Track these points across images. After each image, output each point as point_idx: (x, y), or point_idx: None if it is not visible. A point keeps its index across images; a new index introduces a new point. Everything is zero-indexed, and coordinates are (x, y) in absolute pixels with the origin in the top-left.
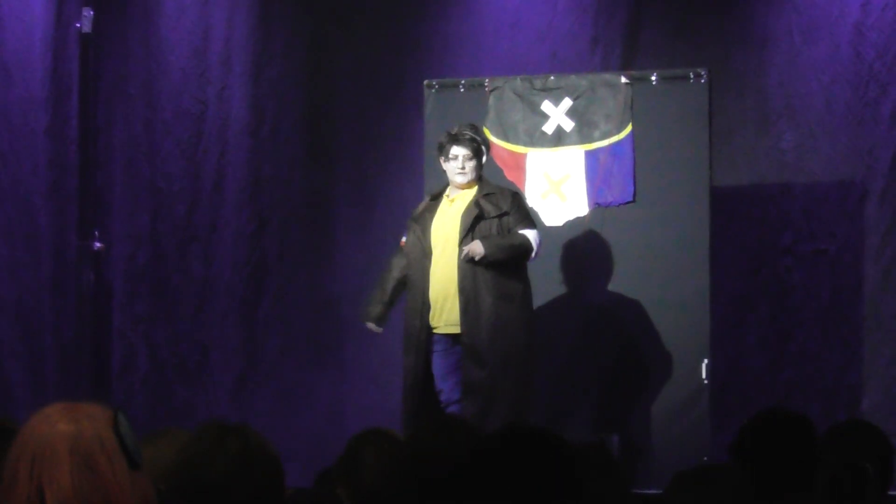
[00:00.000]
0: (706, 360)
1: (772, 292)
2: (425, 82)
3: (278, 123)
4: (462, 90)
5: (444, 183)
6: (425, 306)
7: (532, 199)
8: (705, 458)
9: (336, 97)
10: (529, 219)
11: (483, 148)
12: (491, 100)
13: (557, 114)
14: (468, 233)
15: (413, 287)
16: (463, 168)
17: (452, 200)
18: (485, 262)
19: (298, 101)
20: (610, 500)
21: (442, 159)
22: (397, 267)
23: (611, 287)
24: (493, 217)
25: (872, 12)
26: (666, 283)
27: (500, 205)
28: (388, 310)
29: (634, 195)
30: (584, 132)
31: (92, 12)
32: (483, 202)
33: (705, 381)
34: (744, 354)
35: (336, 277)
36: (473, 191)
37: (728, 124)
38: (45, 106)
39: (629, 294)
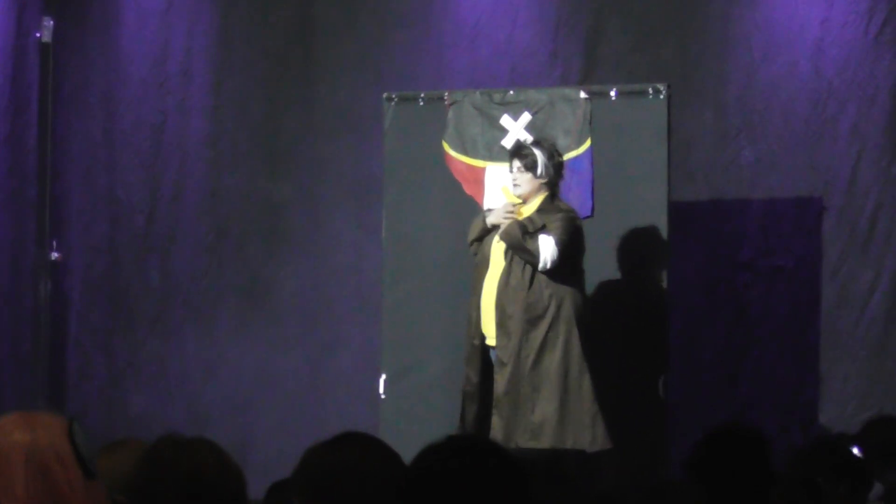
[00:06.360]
0: (663, 377)
1: (729, 308)
2: (384, 95)
3: (237, 135)
4: (421, 103)
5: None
6: (478, 315)
7: None
8: (662, 475)
9: (295, 109)
10: (559, 231)
11: (545, 163)
12: (450, 113)
13: (516, 128)
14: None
15: (472, 296)
16: (515, 180)
17: (520, 214)
18: (504, 239)
19: (258, 113)
20: None
21: (508, 170)
22: None
23: None
24: (534, 232)
25: (832, 29)
26: (623, 297)
27: (547, 221)
28: None
29: (593, 210)
30: None
31: (52, 22)
32: (534, 216)
33: (662, 397)
34: (700, 370)
35: (293, 289)
36: (537, 205)
37: (687, 139)
38: (5, 115)
39: None
